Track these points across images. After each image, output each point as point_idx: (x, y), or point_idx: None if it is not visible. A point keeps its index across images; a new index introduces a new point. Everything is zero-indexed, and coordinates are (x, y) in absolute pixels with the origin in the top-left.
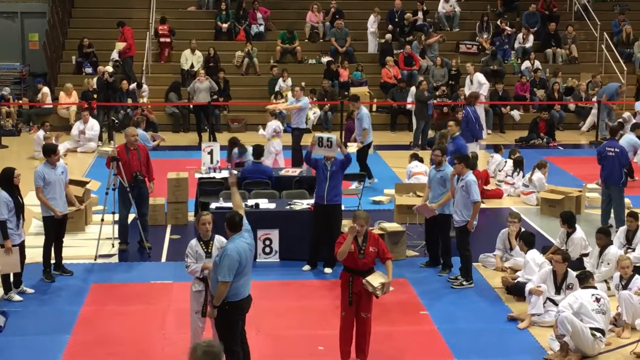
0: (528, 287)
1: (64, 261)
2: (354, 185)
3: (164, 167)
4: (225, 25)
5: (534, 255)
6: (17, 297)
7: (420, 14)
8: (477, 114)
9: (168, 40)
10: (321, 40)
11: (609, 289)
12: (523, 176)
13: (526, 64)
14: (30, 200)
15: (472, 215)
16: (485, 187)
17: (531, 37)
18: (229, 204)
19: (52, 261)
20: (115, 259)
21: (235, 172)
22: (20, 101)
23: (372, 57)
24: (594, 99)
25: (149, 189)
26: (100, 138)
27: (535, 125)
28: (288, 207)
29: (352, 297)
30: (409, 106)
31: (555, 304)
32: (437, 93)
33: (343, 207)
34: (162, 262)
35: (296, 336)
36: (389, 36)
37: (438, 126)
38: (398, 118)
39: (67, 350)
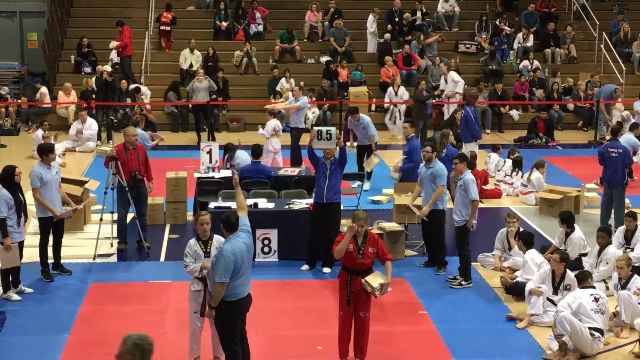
0: (528, 287)
1: (62, 260)
2: (356, 183)
3: (162, 167)
4: (224, 25)
5: (533, 255)
6: (15, 297)
7: (419, 14)
8: (477, 114)
9: (168, 28)
10: (320, 40)
11: (607, 288)
12: (522, 176)
13: (525, 63)
14: (28, 199)
15: (470, 214)
16: (484, 187)
17: (530, 37)
18: (228, 204)
19: (50, 261)
20: (114, 259)
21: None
22: (19, 101)
23: (371, 56)
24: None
25: (148, 189)
26: (99, 137)
27: (534, 125)
28: (287, 206)
29: (350, 296)
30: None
31: (554, 303)
32: (435, 93)
33: (342, 207)
34: (161, 261)
35: (295, 336)
36: (387, 36)
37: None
38: None
39: (66, 349)
